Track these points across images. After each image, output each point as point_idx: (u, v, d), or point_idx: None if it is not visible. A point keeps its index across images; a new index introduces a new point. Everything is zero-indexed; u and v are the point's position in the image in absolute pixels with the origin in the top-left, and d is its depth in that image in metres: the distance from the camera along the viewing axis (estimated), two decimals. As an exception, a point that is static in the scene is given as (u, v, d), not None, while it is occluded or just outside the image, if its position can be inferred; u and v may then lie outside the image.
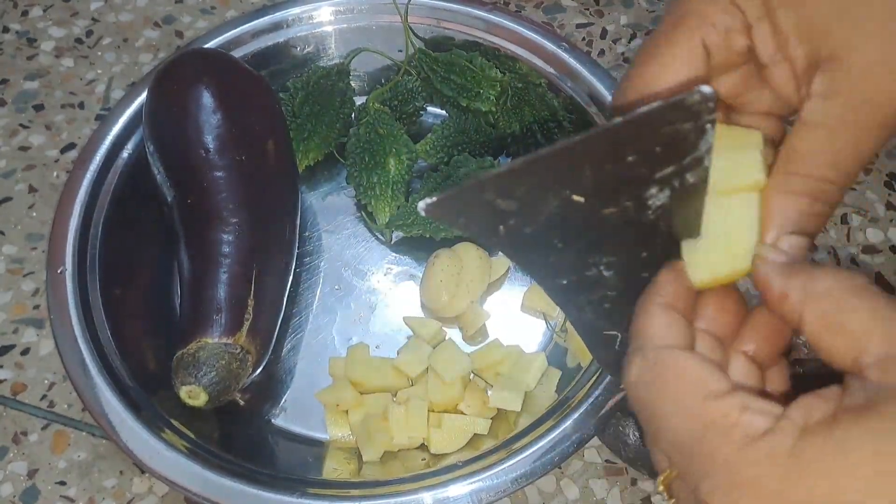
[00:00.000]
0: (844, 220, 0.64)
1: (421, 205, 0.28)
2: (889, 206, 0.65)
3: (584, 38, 0.74)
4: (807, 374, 0.50)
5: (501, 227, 0.30)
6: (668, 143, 0.28)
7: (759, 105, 0.33)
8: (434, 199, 0.28)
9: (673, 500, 0.28)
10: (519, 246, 0.32)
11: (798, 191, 0.29)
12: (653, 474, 0.53)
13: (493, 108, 0.61)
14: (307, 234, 0.61)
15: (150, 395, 0.50)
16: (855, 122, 0.28)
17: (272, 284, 0.53)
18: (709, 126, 0.28)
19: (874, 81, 0.28)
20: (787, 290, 0.27)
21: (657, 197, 0.30)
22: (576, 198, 0.29)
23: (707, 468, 0.25)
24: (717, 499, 0.24)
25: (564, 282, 0.34)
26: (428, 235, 0.58)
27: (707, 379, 0.26)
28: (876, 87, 0.28)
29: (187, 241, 0.52)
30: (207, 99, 0.52)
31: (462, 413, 0.52)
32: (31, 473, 0.53)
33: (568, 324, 0.56)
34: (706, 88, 0.27)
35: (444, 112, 0.64)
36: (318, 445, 0.53)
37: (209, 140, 0.52)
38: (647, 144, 0.28)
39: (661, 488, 0.28)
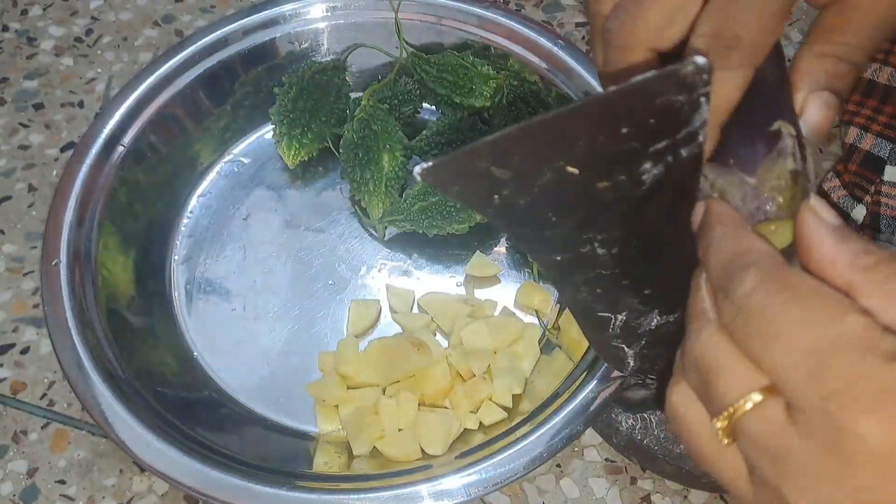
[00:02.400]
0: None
1: (417, 169, 0.28)
2: None
3: (583, 37, 0.74)
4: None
5: (496, 196, 0.30)
6: (661, 115, 0.28)
7: None
8: (429, 163, 0.28)
9: (728, 440, 0.27)
10: (513, 218, 0.32)
11: (823, 53, 0.32)
12: (643, 464, 0.53)
13: (487, 104, 0.60)
14: (303, 228, 0.61)
15: (146, 390, 0.50)
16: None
17: None
18: (703, 99, 0.28)
19: None
20: (836, 255, 0.27)
21: (651, 172, 0.30)
22: (570, 169, 0.29)
23: (842, 383, 0.24)
24: (856, 409, 0.24)
25: (559, 258, 0.34)
26: (421, 232, 0.58)
27: (841, 299, 0.26)
28: None
29: None
30: None
31: (452, 408, 0.52)
32: (31, 472, 0.53)
33: (560, 321, 0.56)
34: (700, 59, 0.26)
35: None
36: (308, 439, 0.53)
37: None
38: (640, 116, 0.28)
39: (721, 424, 0.27)
